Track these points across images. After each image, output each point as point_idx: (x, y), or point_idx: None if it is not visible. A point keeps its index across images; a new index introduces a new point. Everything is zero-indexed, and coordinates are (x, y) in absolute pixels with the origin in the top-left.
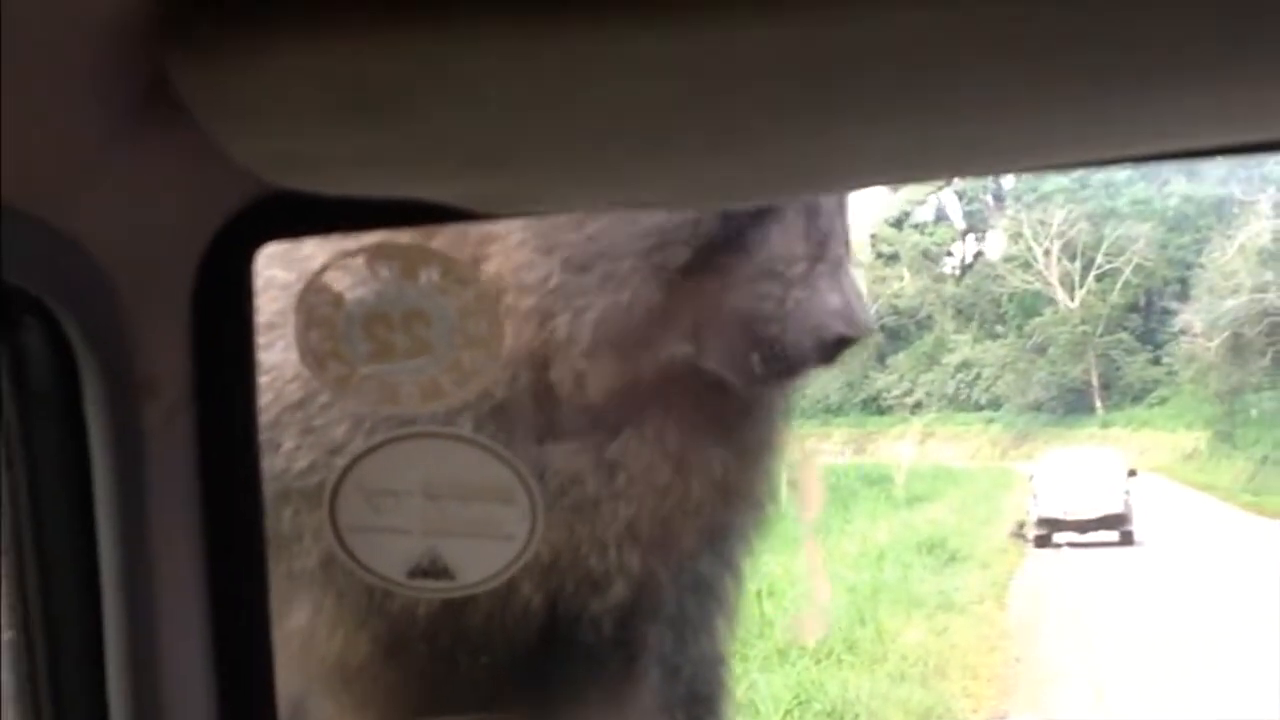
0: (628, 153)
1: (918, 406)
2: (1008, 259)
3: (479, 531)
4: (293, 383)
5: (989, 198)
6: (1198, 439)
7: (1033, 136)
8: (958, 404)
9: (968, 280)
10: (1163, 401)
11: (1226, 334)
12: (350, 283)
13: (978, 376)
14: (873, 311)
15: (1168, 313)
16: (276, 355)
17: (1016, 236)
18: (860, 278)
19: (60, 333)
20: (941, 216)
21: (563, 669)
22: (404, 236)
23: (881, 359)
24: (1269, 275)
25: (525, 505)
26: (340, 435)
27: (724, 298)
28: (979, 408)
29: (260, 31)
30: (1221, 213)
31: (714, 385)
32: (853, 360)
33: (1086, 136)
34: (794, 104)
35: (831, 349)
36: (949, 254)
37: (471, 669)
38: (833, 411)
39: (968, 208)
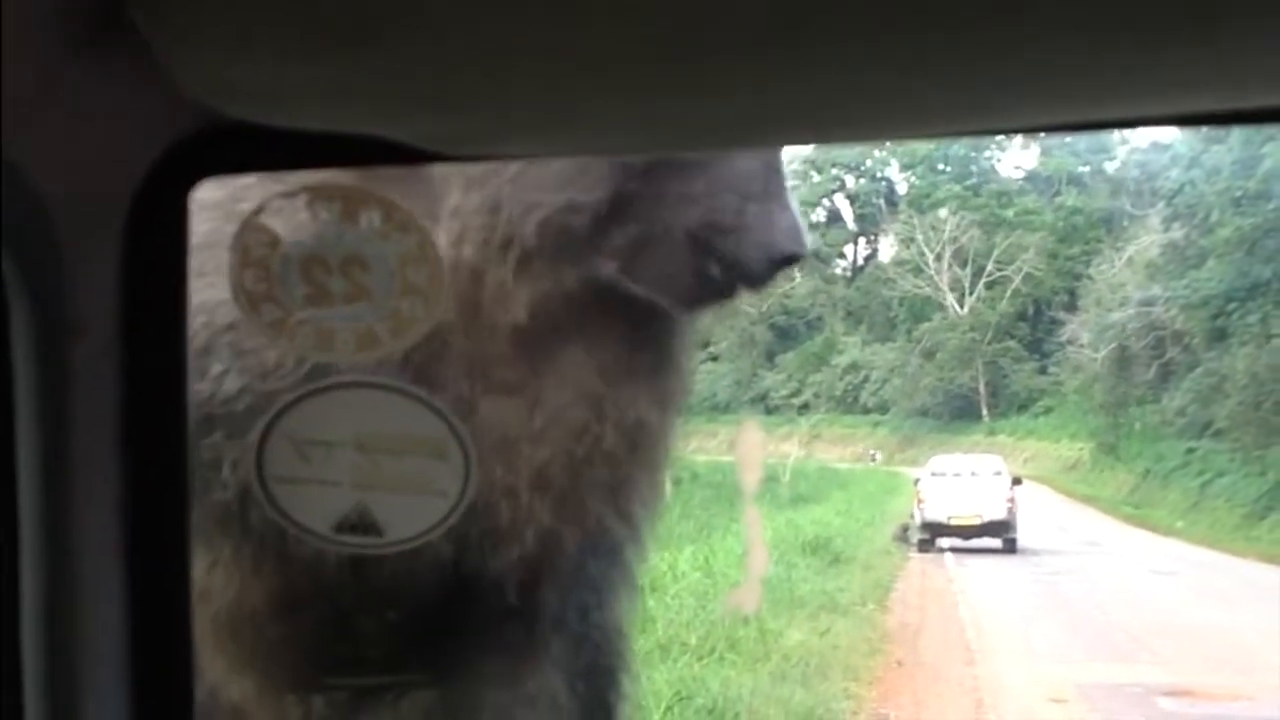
0: (598, 95)
1: (805, 407)
2: (899, 263)
3: (410, 487)
4: (223, 305)
5: (881, 201)
6: (1081, 450)
7: (1025, 94)
8: (845, 406)
9: (859, 283)
10: (1048, 411)
11: (1113, 346)
12: (289, 223)
13: (866, 379)
14: (763, 310)
15: (1055, 323)
16: (205, 279)
17: (908, 241)
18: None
19: None
20: (834, 218)
21: (464, 632)
22: (346, 177)
23: (770, 358)
24: (1156, 289)
25: (459, 461)
26: (272, 359)
27: (677, 208)
28: (866, 410)
29: None
30: (1111, 225)
31: (631, 321)
32: (742, 358)
33: (1086, 95)
34: (773, 50)
35: (777, 266)
36: (841, 256)
37: (371, 627)
38: (720, 409)
39: (860, 210)
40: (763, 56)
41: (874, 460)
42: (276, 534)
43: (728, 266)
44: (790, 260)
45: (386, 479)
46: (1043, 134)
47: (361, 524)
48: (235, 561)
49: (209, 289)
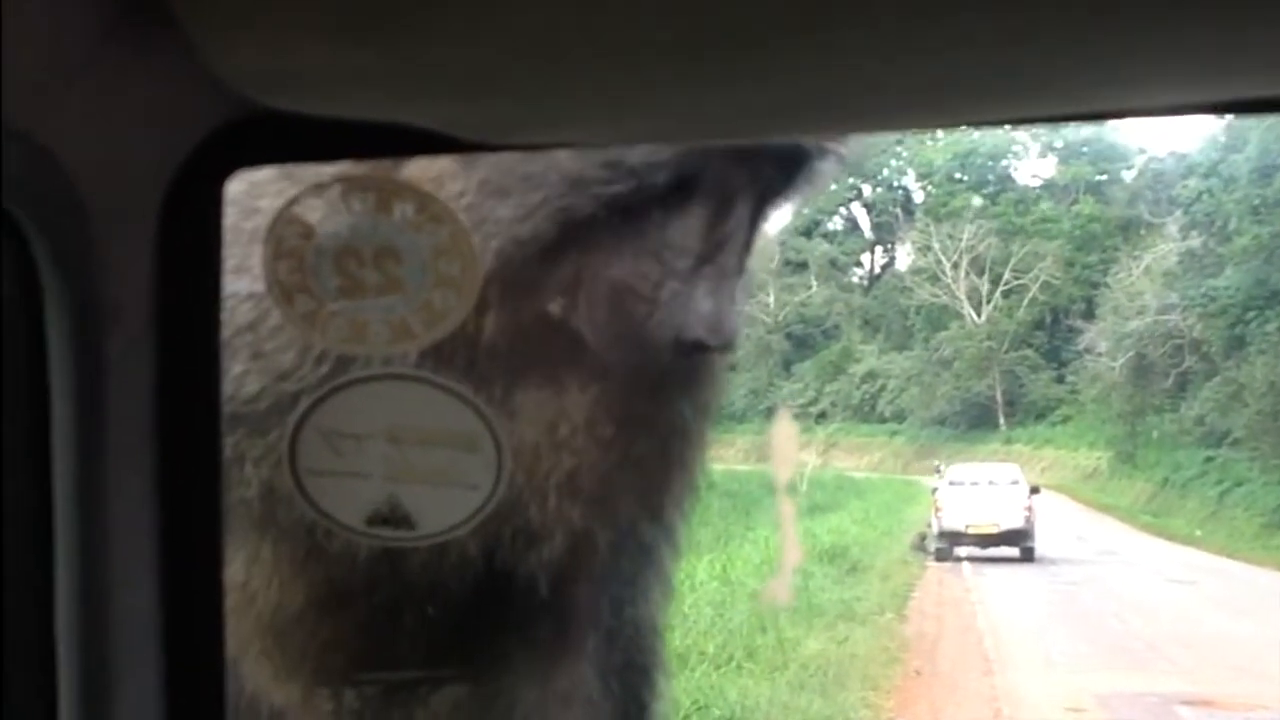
0: (630, 82)
1: (822, 416)
2: (916, 271)
3: (442, 479)
4: (245, 303)
5: (898, 210)
6: (1099, 458)
7: (1054, 82)
8: (862, 415)
9: (875, 291)
10: (1065, 420)
11: (1130, 354)
12: (322, 215)
13: (883, 388)
14: (779, 319)
15: (1073, 331)
16: (227, 276)
17: (925, 249)
18: (749, 288)
19: (27, 251)
20: (851, 226)
21: (498, 629)
22: (380, 168)
23: (787, 367)
24: (1174, 297)
25: (491, 453)
26: (289, 361)
27: (606, 262)
28: (883, 419)
29: None
30: (1129, 233)
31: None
32: (758, 367)
33: (1115, 82)
34: (805, 36)
35: (687, 350)
36: (857, 264)
37: (408, 623)
38: (736, 419)
39: (877, 219)
40: (797, 42)
41: (939, 473)
42: (304, 530)
43: (635, 332)
44: (700, 348)
45: (418, 471)
46: (1072, 123)
47: (393, 517)
48: (260, 558)
49: (232, 280)
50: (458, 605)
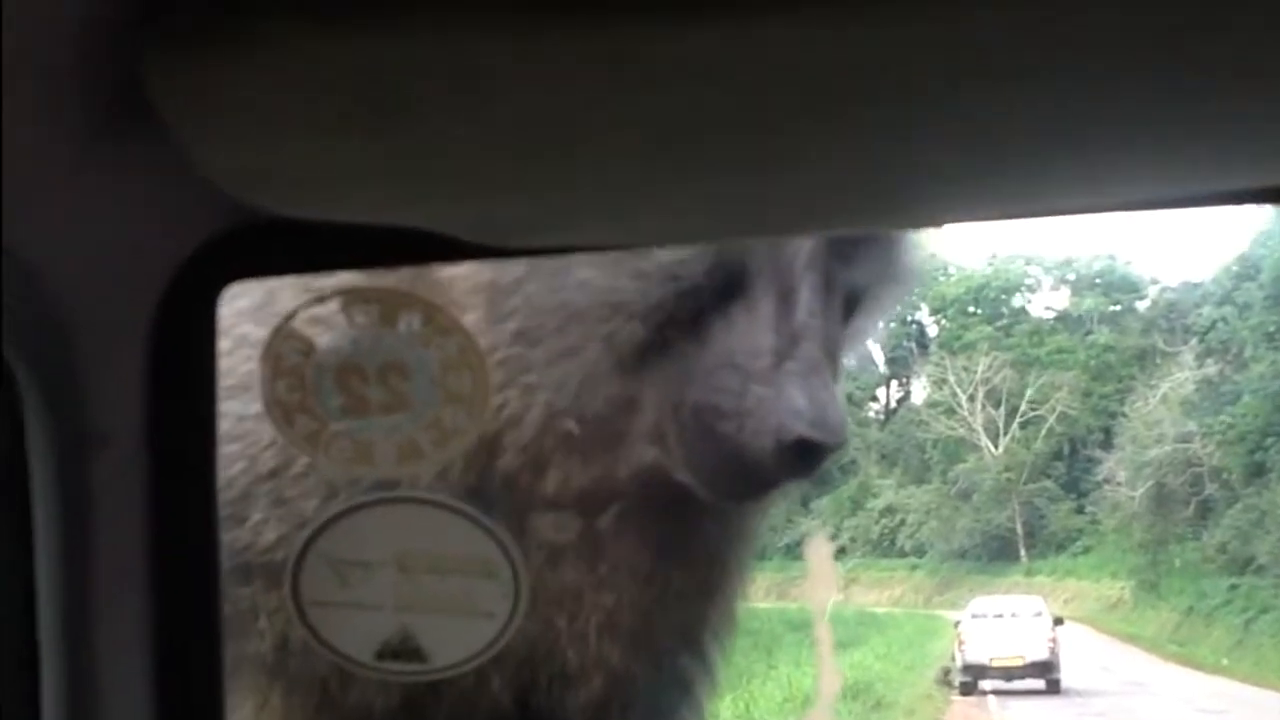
0: (651, 175)
1: (841, 552)
2: (932, 405)
3: (456, 608)
4: (267, 450)
5: (912, 344)
6: (1122, 588)
7: (1087, 174)
8: (882, 549)
9: (892, 425)
10: (1087, 550)
11: (1150, 483)
12: (323, 330)
13: (902, 522)
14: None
15: (1091, 461)
16: (251, 420)
17: (941, 383)
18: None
19: (5, 371)
20: (865, 362)
21: None
22: (384, 279)
23: (805, 503)
24: (1192, 425)
25: (508, 580)
26: (311, 508)
27: (683, 389)
28: (903, 554)
29: (245, 28)
30: (1145, 363)
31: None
32: (776, 504)
33: (1111, 176)
34: (832, 126)
35: (796, 455)
36: (873, 399)
37: None
38: (756, 556)
39: (891, 353)
40: (825, 133)
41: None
42: (318, 682)
43: (732, 452)
44: (808, 448)
45: (431, 600)
46: (1085, 213)
47: (404, 649)
48: (270, 705)
49: (256, 424)
50: None
